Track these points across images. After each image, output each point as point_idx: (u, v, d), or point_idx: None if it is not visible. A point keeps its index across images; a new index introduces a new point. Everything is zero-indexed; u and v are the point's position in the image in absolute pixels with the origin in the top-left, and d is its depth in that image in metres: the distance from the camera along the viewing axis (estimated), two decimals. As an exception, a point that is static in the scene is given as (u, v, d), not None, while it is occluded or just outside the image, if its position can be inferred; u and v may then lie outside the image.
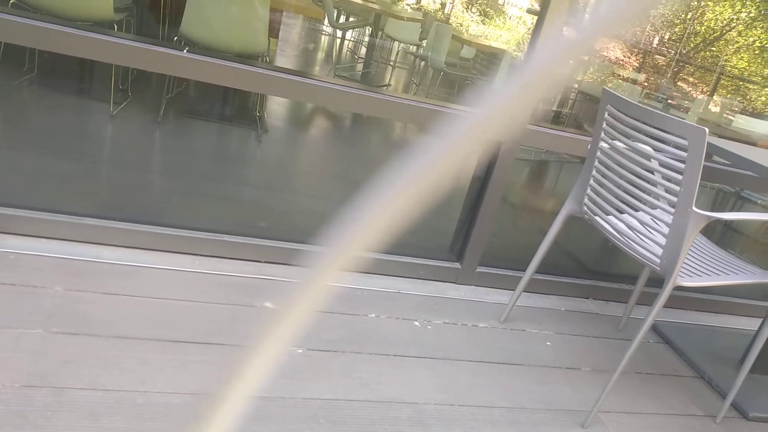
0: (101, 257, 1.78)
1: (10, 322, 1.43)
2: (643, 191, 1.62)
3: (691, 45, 9.93)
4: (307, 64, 5.46)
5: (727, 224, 3.68)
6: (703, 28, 9.89)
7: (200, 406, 0.27)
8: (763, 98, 9.22)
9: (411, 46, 6.00)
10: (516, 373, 1.78)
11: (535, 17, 2.01)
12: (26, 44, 1.70)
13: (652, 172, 1.60)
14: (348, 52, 6.49)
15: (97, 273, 1.70)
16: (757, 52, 9.48)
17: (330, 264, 0.24)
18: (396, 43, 6.00)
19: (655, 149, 1.57)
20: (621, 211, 1.71)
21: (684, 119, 1.49)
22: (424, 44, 5.60)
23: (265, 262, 1.98)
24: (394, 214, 0.23)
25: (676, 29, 9.83)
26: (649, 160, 1.60)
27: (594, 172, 1.80)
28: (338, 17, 5.66)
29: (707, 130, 1.40)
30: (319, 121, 4.12)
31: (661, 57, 9.62)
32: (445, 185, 0.22)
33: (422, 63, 6.12)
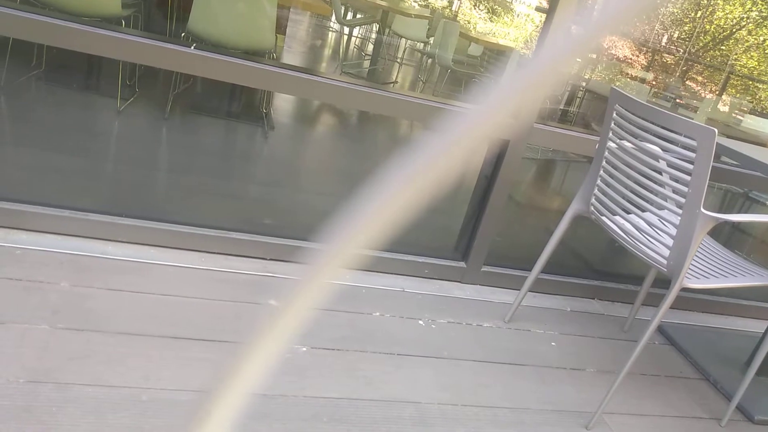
0: (107, 253, 1.78)
1: (15, 317, 1.43)
2: (651, 191, 1.61)
3: (701, 44, 9.86)
4: (314, 60, 5.46)
5: (735, 225, 3.66)
6: (712, 26, 9.82)
7: (200, 402, 0.27)
8: (773, 98, 9.14)
9: (418, 44, 5.99)
10: (520, 373, 1.77)
11: (544, 15, 1.99)
12: (34, 40, 1.70)
13: (660, 173, 1.59)
14: (355, 49, 6.48)
15: (103, 269, 1.71)
16: (767, 51, 9.41)
17: (330, 261, 0.24)
18: (403, 41, 5.99)
19: (664, 149, 1.55)
20: (628, 212, 1.70)
21: (692, 119, 1.48)
22: (432, 41, 5.58)
23: (271, 259, 1.98)
24: (395, 211, 0.22)
25: (686, 28, 9.77)
26: (657, 161, 1.59)
27: (601, 171, 1.79)
28: (345, 14, 5.65)
29: (716, 130, 1.39)
30: (326, 118, 4.12)
31: (670, 56, 9.56)
32: (448, 182, 0.22)
33: (429, 60, 6.11)
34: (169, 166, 2.62)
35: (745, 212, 3.65)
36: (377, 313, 1.87)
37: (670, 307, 1.53)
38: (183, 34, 2.76)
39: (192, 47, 1.76)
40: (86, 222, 1.82)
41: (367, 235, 0.23)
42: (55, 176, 2.15)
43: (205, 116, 3.30)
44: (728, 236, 3.57)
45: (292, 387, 1.46)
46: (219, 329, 1.59)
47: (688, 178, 1.47)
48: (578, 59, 0.20)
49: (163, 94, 3.25)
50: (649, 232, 1.66)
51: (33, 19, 1.62)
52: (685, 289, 1.54)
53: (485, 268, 2.20)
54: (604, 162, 1.78)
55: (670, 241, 1.55)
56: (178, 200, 2.28)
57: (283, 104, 3.87)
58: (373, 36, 6.13)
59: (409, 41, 6.00)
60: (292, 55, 4.89)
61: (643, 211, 1.65)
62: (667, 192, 1.56)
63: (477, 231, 2.15)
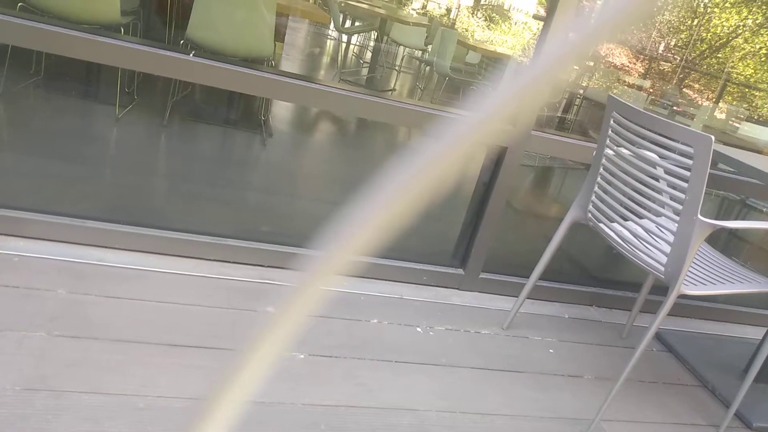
0: (105, 260, 1.78)
1: (12, 324, 1.43)
2: (648, 198, 1.62)
3: (697, 51, 9.92)
4: (312, 68, 5.47)
5: (732, 232, 3.66)
6: (709, 34, 9.87)
7: (197, 410, 0.27)
8: (770, 105, 9.19)
9: (416, 51, 6.01)
10: (518, 380, 1.77)
11: (541, 23, 2.01)
12: (33, 47, 1.71)
13: (657, 180, 1.60)
14: (353, 57, 6.50)
15: (101, 276, 1.70)
16: (763, 59, 9.46)
17: (325, 267, 0.24)
18: (401, 48, 6.01)
19: (661, 156, 1.56)
20: (625, 219, 1.70)
21: (690, 126, 1.48)
22: (430, 49, 5.61)
23: (268, 266, 1.98)
24: (392, 217, 0.22)
25: (682, 35, 9.82)
26: (655, 168, 1.59)
27: (599, 179, 1.79)
28: (344, 22, 5.68)
29: (713, 138, 1.40)
30: (324, 125, 4.13)
31: (667, 63, 9.61)
32: (443, 187, 0.22)
33: (427, 68, 6.13)
34: (168, 174, 2.62)
35: (742, 219, 3.65)
36: (375, 320, 1.86)
37: (668, 314, 1.53)
38: (182, 42, 2.77)
39: (191, 54, 1.77)
40: (84, 229, 1.82)
41: (364, 241, 0.23)
42: (53, 183, 2.15)
43: (203, 124, 3.31)
44: (725, 243, 3.57)
45: (289, 394, 1.46)
46: (216, 336, 1.59)
47: (685, 185, 1.48)
48: (574, 66, 0.21)
49: (162, 102, 3.26)
50: (646, 238, 1.66)
51: (32, 27, 1.63)
52: (682, 296, 1.54)
53: (483, 275, 2.20)
54: (601, 169, 1.78)
55: (667, 248, 1.56)
56: (176, 207, 2.28)
57: (281, 111, 3.88)
58: (372, 44, 6.16)
59: (407, 49, 6.02)
60: (291, 63, 4.91)
61: (641, 218, 1.66)
62: (665, 199, 1.57)
63: (475, 238, 2.15)
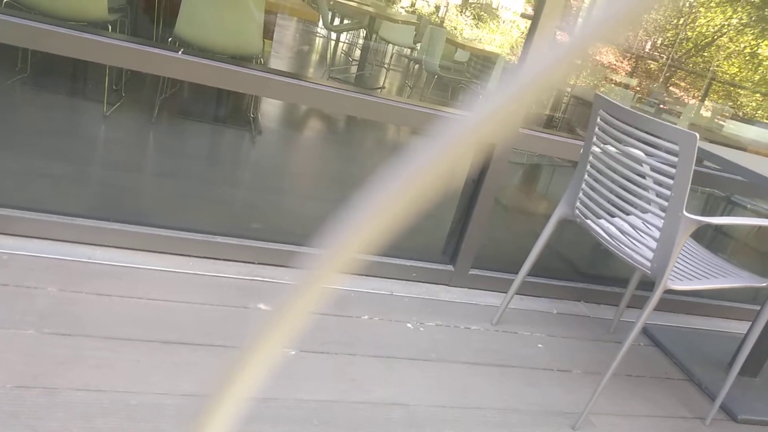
0: (94, 258, 1.77)
1: (3, 322, 1.42)
2: (635, 195, 1.64)
3: (683, 50, 10.01)
4: (301, 66, 5.47)
5: (718, 228, 3.71)
6: (694, 33, 9.97)
7: (196, 408, 0.28)
8: (753, 104, 9.30)
9: (405, 49, 6.02)
10: (508, 375, 1.79)
11: (529, 21, 2.02)
12: (19, 44, 1.70)
13: (643, 177, 1.62)
14: (342, 55, 6.49)
15: (91, 274, 1.70)
16: (747, 57, 9.57)
17: (325, 266, 0.24)
18: (390, 46, 6.02)
19: (647, 154, 1.58)
20: (612, 215, 1.72)
21: (675, 124, 1.51)
22: (419, 47, 5.62)
23: (258, 263, 1.98)
24: (388, 217, 0.23)
25: (668, 34, 9.91)
26: (641, 165, 1.61)
27: (586, 176, 1.82)
28: (333, 19, 5.67)
29: (698, 135, 1.42)
30: (313, 123, 4.13)
31: (654, 62, 9.69)
32: (438, 188, 0.23)
33: (416, 66, 6.14)
34: (156, 171, 2.61)
35: (727, 215, 3.70)
36: (366, 317, 1.87)
37: (655, 309, 1.56)
38: (170, 39, 2.76)
39: (179, 52, 1.76)
40: (73, 227, 1.81)
41: (360, 240, 0.23)
42: (41, 181, 2.13)
43: (192, 121, 3.30)
44: (711, 239, 3.62)
45: (282, 390, 1.46)
46: (207, 333, 1.59)
47: (670, 182, 1.50)
48: (564, 66, 0.21)
49: (150, 99, 3.24)
50: (633, 235, 1.69)
51: (18, 23, 1.62)
52: (668, 291, 1.57)
53: (473, 272, 2.22)
54: (588, 166, 1.81)
55: (653, 244, 1.58)
56: (166, 205, 2.28)
57: (270, 109, 3.87)
58: (361, 41, 6.16)
59: (396, 47, 6.03)
60: (280, 60, 4.90)
61: (627, 214, 1.68)
62: (651, 195, 1.59)
63: (464, 234, 2.16)
